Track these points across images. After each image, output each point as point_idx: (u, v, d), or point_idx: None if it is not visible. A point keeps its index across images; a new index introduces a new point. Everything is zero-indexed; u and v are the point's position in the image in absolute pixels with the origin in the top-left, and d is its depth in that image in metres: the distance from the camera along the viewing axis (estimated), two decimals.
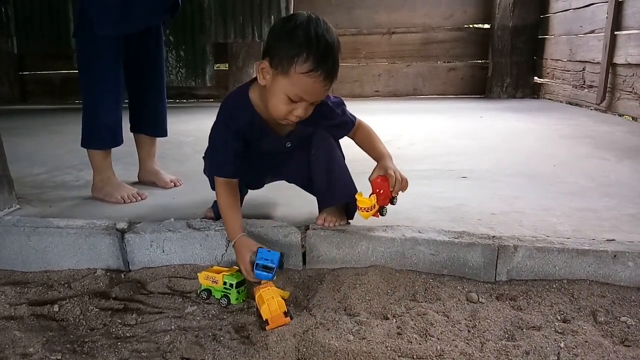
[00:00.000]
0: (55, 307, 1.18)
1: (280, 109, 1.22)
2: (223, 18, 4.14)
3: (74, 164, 2.22)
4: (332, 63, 1.17)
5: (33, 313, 1.17)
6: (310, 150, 1.38)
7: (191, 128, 3.09)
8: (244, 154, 1.33)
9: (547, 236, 1.31)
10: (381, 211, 1.31)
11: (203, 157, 1.45)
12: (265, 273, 1.17)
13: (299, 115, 1.22)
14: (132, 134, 1.93)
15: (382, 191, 1.28)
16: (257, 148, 1.37)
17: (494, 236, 1.30)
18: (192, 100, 4.82)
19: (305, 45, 1.15)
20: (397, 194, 1.31)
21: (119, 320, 1.13)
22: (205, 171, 1.46)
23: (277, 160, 1.44)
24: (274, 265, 1.16)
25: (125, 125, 1.88)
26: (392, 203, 1.32)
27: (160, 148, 2.05)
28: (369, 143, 1.40)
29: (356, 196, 1.28)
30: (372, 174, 1.32)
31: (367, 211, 1.27)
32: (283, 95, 1.19)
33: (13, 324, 1.12)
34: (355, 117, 1.42)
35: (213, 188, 1.38)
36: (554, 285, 1.23)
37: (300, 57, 1.14)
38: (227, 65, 4.63)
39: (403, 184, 1.30)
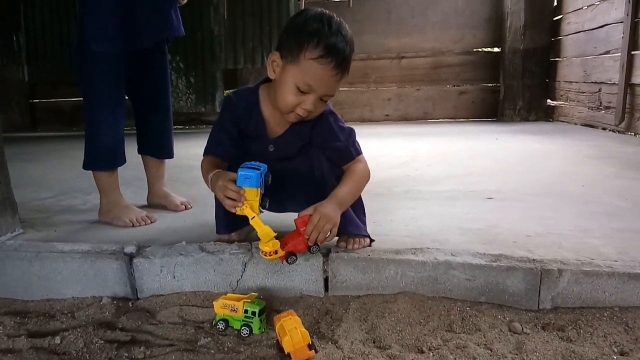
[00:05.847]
0: (57, 339, 1.08)
1: (288, 100, 1.17)
2: (233, 44, 4.14)
3: (81, 187, 2.14)
4: (342, 54, 1.14)
5: (32, 346, 1.06)
6: (298, 170, 1.29)
7: (201, 152, 3.00)
8: (237, 144, 1.29)
9: (592, 259, 1.20)
10: (287, 258, 1.15)
11: (203, 155, 1.36)
12: (249, 172, 1.08)
13: (307, 109, 1.16)
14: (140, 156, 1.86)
15: (298, 237, 1.14)
16: (247, 148, 1.30)
17: (534, 259, 1.19)
18: (202, 126, 4.79)
19: (317, 32, 1.13)
20: (315, 244, 1.16)
21: (126, 354, 1.03)
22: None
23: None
24: (259, 169, 1.09)
25: (135, 147, 1.82)
26: (310, 252, 1.18)
27: (171, 171, 1.98)
28: (343, 178, 1.26)
29: (259, 235, 1.12)
30: (306, 210, 1.17)
31: (267, 255, 1.13)
32: (292, 84, 1.16)
33: (10, 358, 1.02)
34: (358, 152, 1.28)
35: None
36: (605, 314, 1.11)
37: (311, 43, 1.12)
38: None
39: (321, 236, 1.13)
